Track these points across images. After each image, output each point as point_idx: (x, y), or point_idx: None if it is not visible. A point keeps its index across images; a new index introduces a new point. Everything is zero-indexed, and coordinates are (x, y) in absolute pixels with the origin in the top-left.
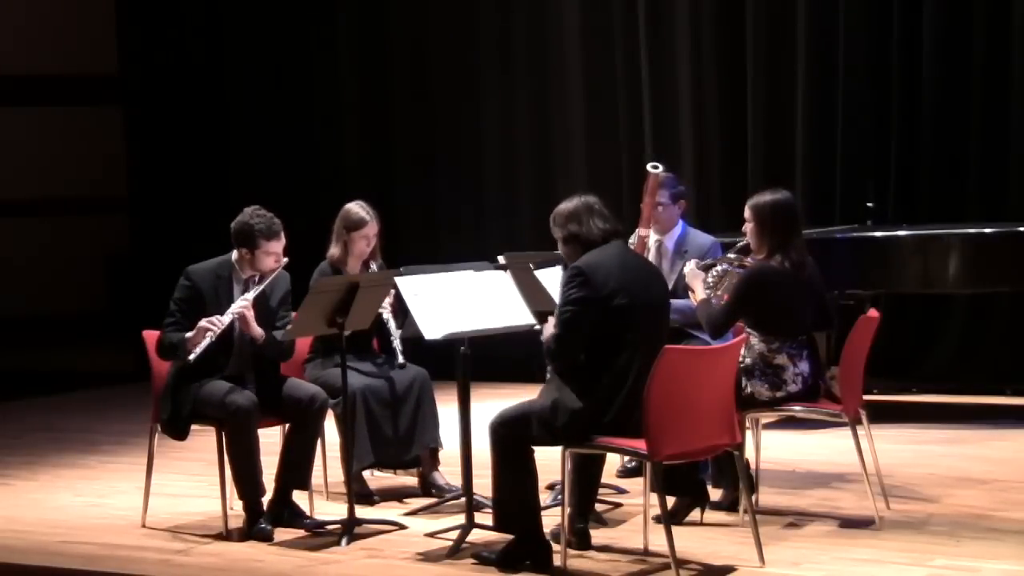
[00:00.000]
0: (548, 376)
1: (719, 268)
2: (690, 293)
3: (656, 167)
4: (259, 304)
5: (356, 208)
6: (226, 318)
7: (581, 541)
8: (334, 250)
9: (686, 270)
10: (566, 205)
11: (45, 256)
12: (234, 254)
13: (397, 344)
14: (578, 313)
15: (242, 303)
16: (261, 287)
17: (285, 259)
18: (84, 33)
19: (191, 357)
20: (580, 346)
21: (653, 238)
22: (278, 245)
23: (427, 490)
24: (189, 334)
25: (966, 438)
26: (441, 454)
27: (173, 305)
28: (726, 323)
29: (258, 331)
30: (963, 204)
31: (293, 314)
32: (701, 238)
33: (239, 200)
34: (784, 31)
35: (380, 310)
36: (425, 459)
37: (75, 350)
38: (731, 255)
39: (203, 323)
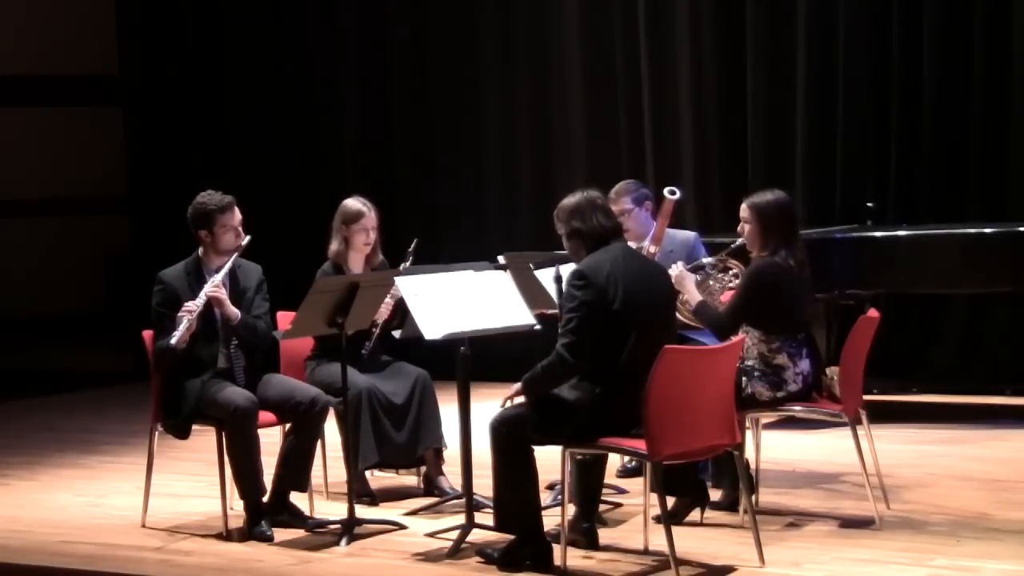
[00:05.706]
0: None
1: (707, 269)
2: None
3: (674, 192)
4: (234, 292)
5: (353, 201)
6: (200, 299)
7: (590, 541)
8: (334, 246)
9: (673, 273)
10: (569, 200)
11: (45, 256)
12: (200, 249)
13: (370, 343)
14: (584, 317)
15: (212, 285)
16: (229, 263)
17: (248, 237)
18: (84, 33)
19: (174, 341)
20: (590, 348)
21: (634, 246)
22: (234, 217)
23: (430, 490)
24: (175, 337)
25: (966, 438)
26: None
27: (155, 312)
28: (735, 323)
29: (232, 311)
30: (963, 204)
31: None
32: (682, 234)
33: (239, 200)
34: (784, 31)
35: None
36: (430, 460)
37: (75, 350)
38: (715, 258)
39: (180, 313)
